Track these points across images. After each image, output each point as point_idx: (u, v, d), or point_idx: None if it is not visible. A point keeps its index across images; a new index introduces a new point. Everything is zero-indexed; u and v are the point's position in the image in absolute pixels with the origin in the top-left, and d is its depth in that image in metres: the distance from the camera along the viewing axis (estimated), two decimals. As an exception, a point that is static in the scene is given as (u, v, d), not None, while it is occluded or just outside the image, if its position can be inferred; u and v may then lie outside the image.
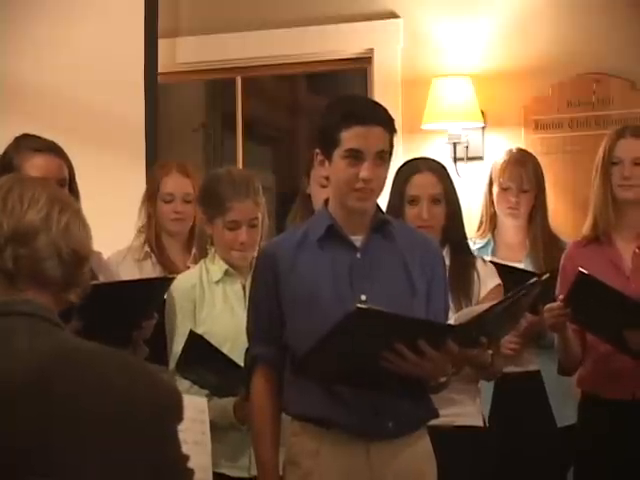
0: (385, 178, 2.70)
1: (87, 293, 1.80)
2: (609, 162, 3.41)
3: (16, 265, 1.70)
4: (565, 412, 3.68)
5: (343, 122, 2.60)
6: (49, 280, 1.73)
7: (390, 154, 2.67)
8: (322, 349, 2.48)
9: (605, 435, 3.31)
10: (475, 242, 3.86)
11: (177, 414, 1.71)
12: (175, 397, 1.73)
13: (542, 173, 3.90)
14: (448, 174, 3.30)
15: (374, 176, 2.61)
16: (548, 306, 3.25)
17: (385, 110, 2.67)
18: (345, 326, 2.42)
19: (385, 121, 2.64)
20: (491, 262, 3.42)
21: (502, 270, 3.33)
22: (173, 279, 3.10)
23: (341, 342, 2.46)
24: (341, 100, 2.80)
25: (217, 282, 3.21)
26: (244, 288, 3.17)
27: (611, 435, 3.30)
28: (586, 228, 3.46)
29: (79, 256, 1.76)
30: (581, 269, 3.11)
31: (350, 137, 2.60)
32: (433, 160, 3.39)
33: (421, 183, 3.22)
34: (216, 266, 3.22)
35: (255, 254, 3.13)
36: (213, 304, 3.19)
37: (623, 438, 3.28)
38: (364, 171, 2.59)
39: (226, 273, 3.21)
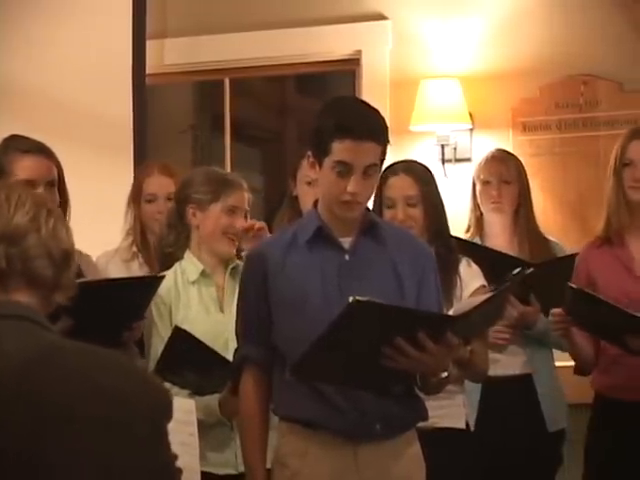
0: (373, 189, 2.71)
1: (76, 291, 1.82)
2: (621, 163, 3.39)
3: (8, 264, 1.73)
4: (556, 416, 3.68)
5: (336, 133, 2.58)
6: (40, 280, 1.76)
7: (381, 165, 2.67)
8: (320, 348, 2.43)
9: (622, 436, 3.29)
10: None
11: (168, 413, 1.71)
12: (166, 395, 1.73)
13: (524, 170, 3.87)
14: (427, 175, 3.32)
15: (361, 189, 2.61)
16: (553, 311, 3.26)
17: (379, 120, 2.64)
18: (344, 321, 2.39)
19: (378, 135, 2.61)
20: (473, 243, 3.43)
21: (483, 252, 3.33)
22: (163, 278, 3.09)
23: (339, 340, 2.42)
24: (336, 106, 2.73)
25: (193, 282, 3.21)
26: (218, 290, 3.20)
27: (629, 435, 3.28)
28: (599, 229, 3.46)
29: (68, 257, 1.80)
30: (570, 284, 3.11)
31: (341, 149, 2.58)
32: (414, 162, 3.42)
33: (396, 185, 3.26)
34: (192, 266, 3.23)
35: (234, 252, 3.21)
36: (189, 306, 3.19)
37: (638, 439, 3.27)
38: (351, 185, 2.59)
39: (202, 274, 3.22)
